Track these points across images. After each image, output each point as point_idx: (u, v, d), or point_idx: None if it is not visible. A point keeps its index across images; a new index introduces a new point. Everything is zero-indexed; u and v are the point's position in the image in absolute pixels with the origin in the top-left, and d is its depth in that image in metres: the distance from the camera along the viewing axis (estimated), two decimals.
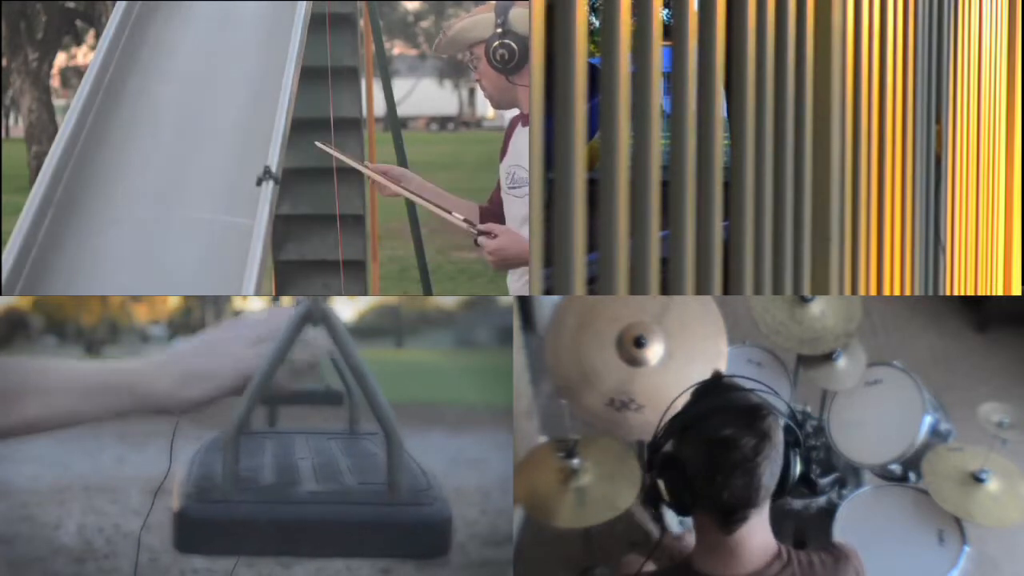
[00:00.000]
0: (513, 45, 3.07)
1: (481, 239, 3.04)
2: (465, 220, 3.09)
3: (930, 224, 3.19)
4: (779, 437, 1.94)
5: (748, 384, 2.04)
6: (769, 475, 1.92)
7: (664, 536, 2.42)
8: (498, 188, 3.30)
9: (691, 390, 2.05)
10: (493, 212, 3.28)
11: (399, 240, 11.47)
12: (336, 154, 3.26)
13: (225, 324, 1.50)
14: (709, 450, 1.93)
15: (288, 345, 1.42)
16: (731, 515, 1.93)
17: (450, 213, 3.12)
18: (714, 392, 2.01)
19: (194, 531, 1.37)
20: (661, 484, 2.02)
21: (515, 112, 3.27)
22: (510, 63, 3.09)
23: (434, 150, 25.90)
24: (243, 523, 1.38)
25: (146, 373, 1.42)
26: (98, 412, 1.41)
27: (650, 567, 2.22)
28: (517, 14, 3.09)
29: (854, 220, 2.50)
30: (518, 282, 3.21)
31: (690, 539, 2.21)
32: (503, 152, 3.26)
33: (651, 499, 2.07)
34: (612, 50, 1.54)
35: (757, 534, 1.97)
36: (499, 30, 3.08)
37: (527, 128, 3.15)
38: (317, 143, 3.25)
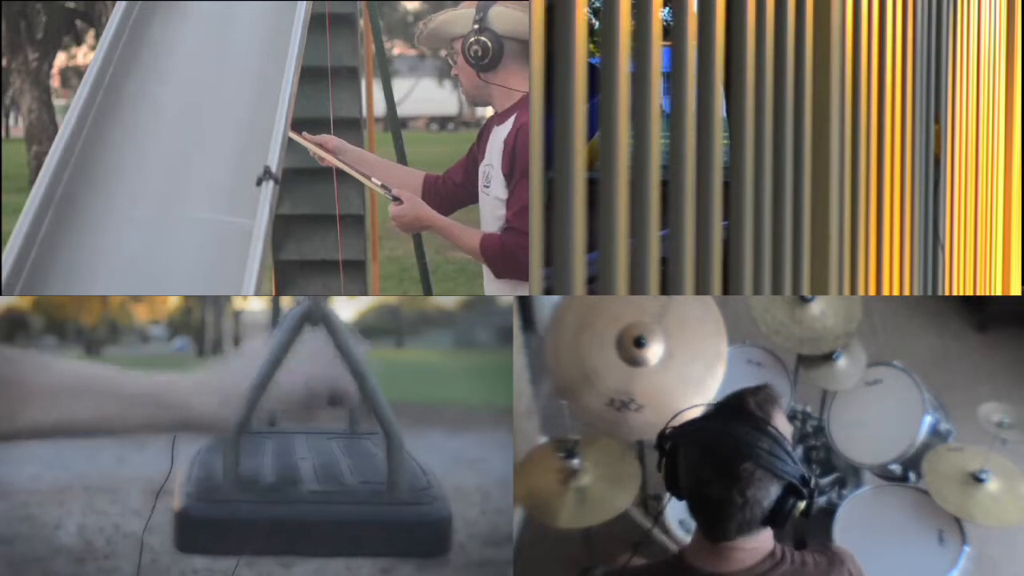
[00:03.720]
0: (488, 43, 3.07)
1: (392, 204, 3.12)
2: (382, 185, 3.16)
3: (929, 224, 3.19)
4: (762, 492, 1.91)
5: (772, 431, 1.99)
6: (742, 518, 1.92)
7: (653, 530, 2.43)
8: (457, 167, 3.34)
9: (716, 403, 2.06)
10: (437, 185, 3.32)
11: (399, 240, 11.46)
12: (296, 138, 3.32)
13: (267, 344, 1.46)
14: (691, 483, 1.97)
15: (287, 345, 1.42)
16: (711, 537, 1.96)
17: (369, 179, 3.20)
18: (723, 418, 2.00)
19: (195, 531, 1.37)
20: (663, 468, 2.05)
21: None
22: (483, 60, 3.09)
23: (434, 150, 25.84)
24: (244, 523, 1.37)
25: (190, 391, 1.37)
26: (134, 424, 1.35)
27: (642, 562, 2.22)
28: (497, 12, 3.08)
29: (853, 220, 2.50)
30: (495, 281, 3.21)
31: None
32: (481, 153, 3.26)
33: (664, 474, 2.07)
34: (612, 50, 1.54)
35: (748, 540, 1.98)
36: (476, 26, 3.08)
37: (501, 127, 3.16)
38: (290, 133, 3.31)
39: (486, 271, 3.23)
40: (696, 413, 2.06)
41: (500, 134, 3.14)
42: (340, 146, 3.36)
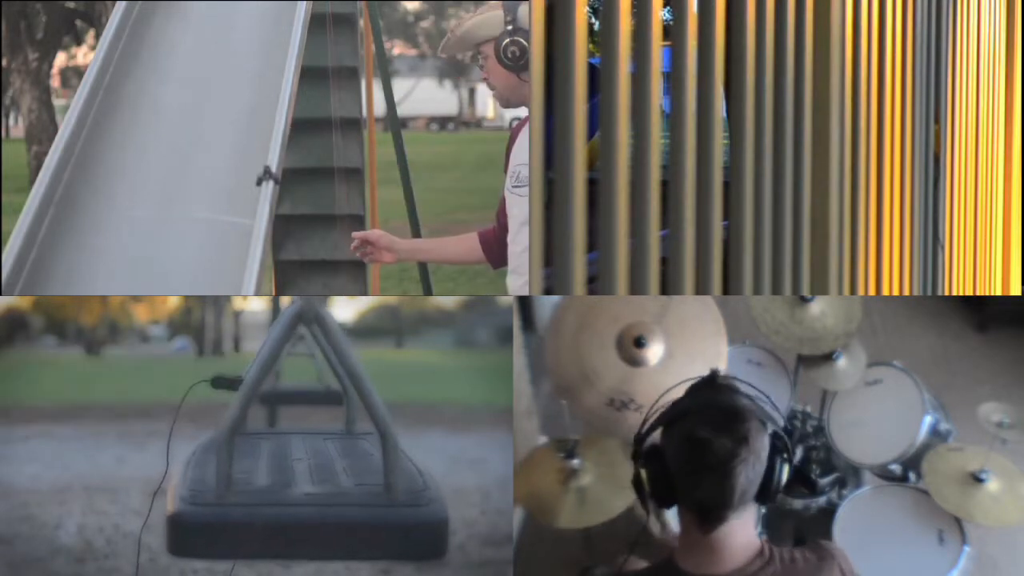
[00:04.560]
0: (524, 42, 3.05)
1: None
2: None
3: (929, 224, 3.19)
4: (760, 443, 1.93)
5: (744, 387, 2.03)
6: (745, 479, 1.91)
7: (646, 531, 2.42)
8: (501, 210, 3.29)
9: (686, 385, 2.05)
10: (492, 237, 3.30)
11: None
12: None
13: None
14: (686, 449, 1.94)
15: (282, 345, 1.41)
16: (707, 515, 1.94)
17: None
18: (705, 390, 2.01)
19: (188, 535, 1.37)
20: (644, 475, 2.03)
21: (516, 115, 3.26)
22: (521, 60, 3.06)
23: (434, 150, 25.90)
24: (238, 526, 1.37)
25: None
26: None
27: (640, 564, 2.21)
28: (526, 11, 3.07)
29: (853, 220, 2.50)
30: (520, 280, 3.21)
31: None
32: (507, 153, 3.25)
33: (637, 489, 2.06)
34: (612, 50, 1.54)
35: (738, 533, 1.97)
36: (509, 27, 3.06)
37: None
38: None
39: (511, 274, 3.23)
40: (667, 404, 2.05)
41: None
42: (391, 244, 3.32)
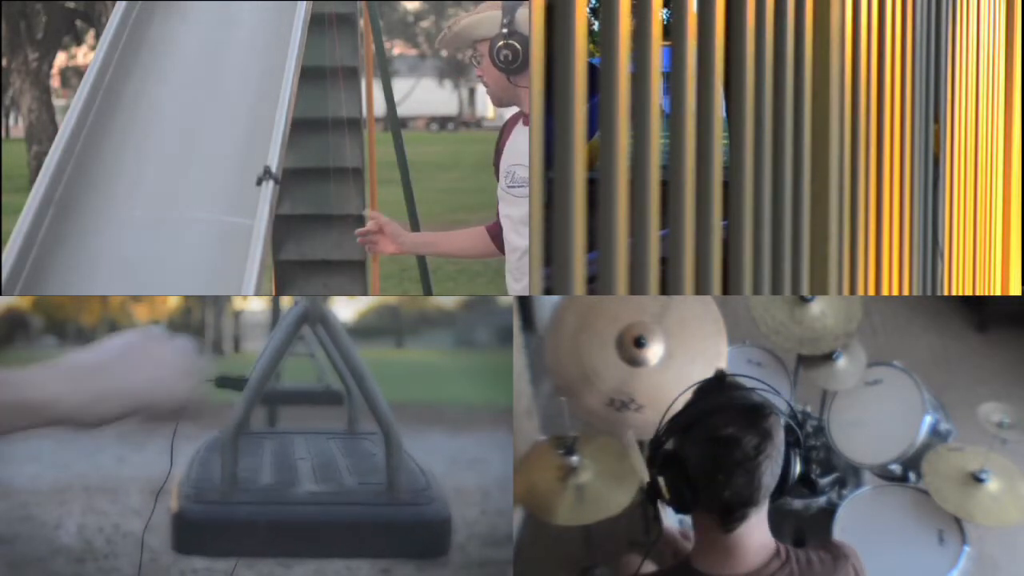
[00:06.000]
0: (517, 46, 3.05)
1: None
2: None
3: (928, 224, 3.19)
4: (781, 436, 1.95)
5: (750, 383, 2.04)
6: (770, 474, 1.92)
7: (663, 535, 2.43)
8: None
9: (694, 388, 2.05)
10: (498, 232, 3.31)
11: None
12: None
13: (128, 339, 1.35)
14: (711, 448, 1.93)
15: (286, 345, 1.42)
16: (731, 513, 1.94)
17: None
18: (716, 391, 2.01)
19: (193, 532, 1.37)
20: (662, 481, 2.02)
21: (511, 110, 3.27)
22: (513, 64, 3.07)
23: (434, 150, 25.90)
24: (242, 524, 1.37)
25: (55, 390, 1.29)
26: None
27: (650, 567, 2.22)
28: (524, 15, 3.07)
29: (852, 220, 2.50)
30: (518, 283, 3.20)
31: (690, 536, 2.21)
32: (498, 151, 3.25)
33: (651, 496, 2.06)
34: (612, 50, 1.54)
35: (756, 533, 1.98)
36: (504, 30, 3.07)
37: (528, 127, 3.14)
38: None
39: (509, 274, 3.23)
40: (681, 405, 2.05)
41: None
42: (397, 234, 3.35)
